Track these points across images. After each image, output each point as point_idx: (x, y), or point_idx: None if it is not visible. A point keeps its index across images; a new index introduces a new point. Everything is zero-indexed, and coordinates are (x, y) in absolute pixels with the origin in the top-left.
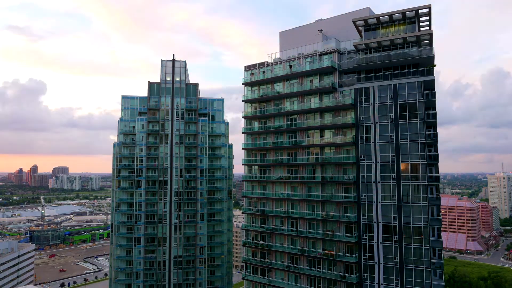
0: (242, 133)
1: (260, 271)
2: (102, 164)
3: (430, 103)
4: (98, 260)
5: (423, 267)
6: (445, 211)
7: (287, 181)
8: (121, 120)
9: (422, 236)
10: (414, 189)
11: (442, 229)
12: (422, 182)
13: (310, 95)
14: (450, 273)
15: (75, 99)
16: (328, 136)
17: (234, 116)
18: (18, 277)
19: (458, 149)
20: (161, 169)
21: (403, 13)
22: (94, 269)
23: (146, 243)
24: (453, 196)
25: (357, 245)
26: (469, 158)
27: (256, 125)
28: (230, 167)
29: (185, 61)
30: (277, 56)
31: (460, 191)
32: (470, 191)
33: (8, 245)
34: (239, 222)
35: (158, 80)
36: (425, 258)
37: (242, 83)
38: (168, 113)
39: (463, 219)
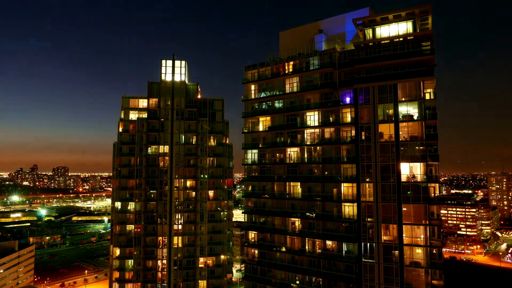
0: (242, 133)
1: (260, 270)
2: (102, 164)
3: (430, 102)
4: (98, 260)
5: (423, 267)
6: (445, 211)
7: (286, 181)
8: (121, 120)
9: (422, 236)
10: (414, 189)
11: (442, 229)
12: (422, 182)
13: (310, 95)
14: (449, 273)
15: None
16: (328, 136)
17: None
18: (18, 277)
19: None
20: (161, 169)
21: (403, 12)
22: (94, 269)
23: (146, 243)
24: (452, 196)
25: (357, 245)
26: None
27: (255, 124)
28: (230, 167)
29: (185, 61)
30: (277, 56)
31: (459, 191)
32: (469, 191)
33: (8, 245)
34: (239, 222)
35: (158, 80)
36: (425, 258)
37: (242, 83)
38: (168, 113)
39: (463, 219)
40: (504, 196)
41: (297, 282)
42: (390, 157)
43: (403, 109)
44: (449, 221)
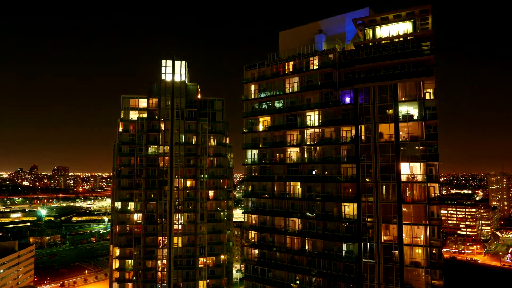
0: (242, 133)
1: (260, 270)
2: (102, 164)
3: (430, 102)
4: (98, 260)
5: (423, 267)
6: (445, 211)
7: (286, 181)
8: (121, 120)
9: (422, 236)
10: (414, 189)
11: (442, 229)
12: (422, 182)
13: (310, 94)
14: (449, 273)
15: None
16: (328, 136)
17: None
18: (18, 277)
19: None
20: (161, 169)
21: (403, 12)
22: (94, 269)
23: (146, 243)
24: (452, 196)
25: (357, 245)
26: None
27: (255, 124)
28: (230, 167)
29: (185, 61)
30: (277, 56)
31: (459, 191)
32: (469, 191)
33: (8, 245)
34: (239, 222)
35: (158, 80)
36: (425, 258)
37: (242, 83)
38: (168, 113)
39: (463, 219)
40: (504, 196)
41: (297, 282)
42: (390, 157)
43: (403, 109)
44: (449, 221)
